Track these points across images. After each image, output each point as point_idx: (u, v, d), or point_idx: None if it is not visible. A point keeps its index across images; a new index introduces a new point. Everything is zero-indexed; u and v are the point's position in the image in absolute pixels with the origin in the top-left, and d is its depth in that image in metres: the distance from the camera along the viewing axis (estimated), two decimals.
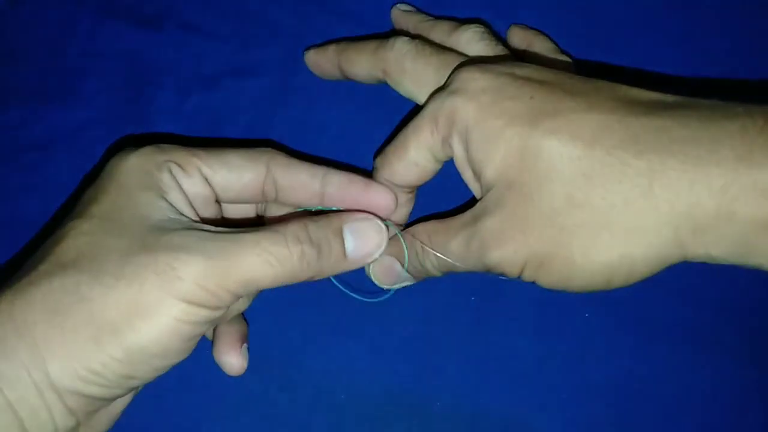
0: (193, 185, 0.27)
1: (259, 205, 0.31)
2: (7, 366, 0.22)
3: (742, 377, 0.31)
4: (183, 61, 0.36)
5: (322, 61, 0.34)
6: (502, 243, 0.25)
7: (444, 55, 0.30)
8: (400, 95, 0.31)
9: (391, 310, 0.32)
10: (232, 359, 0.29)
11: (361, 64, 0.32)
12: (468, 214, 0.27)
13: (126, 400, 0.27)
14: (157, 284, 0.23)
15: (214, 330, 0.30)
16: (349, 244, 0.27)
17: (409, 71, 0.30)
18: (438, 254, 0.28)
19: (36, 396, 0.23)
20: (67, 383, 0.23)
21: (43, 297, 0.23)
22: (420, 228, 0.29)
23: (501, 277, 0.27)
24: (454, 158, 0.28)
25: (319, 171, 0.29)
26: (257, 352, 0.30)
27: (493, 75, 0.27)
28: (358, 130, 0.35)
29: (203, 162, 0.27)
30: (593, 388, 0.31)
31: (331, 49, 0.33)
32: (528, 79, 0.26)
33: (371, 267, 0.30)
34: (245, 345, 0.30)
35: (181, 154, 0.27)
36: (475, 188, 0.28)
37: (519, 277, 0.26)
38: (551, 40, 0.34)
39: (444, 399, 0.31)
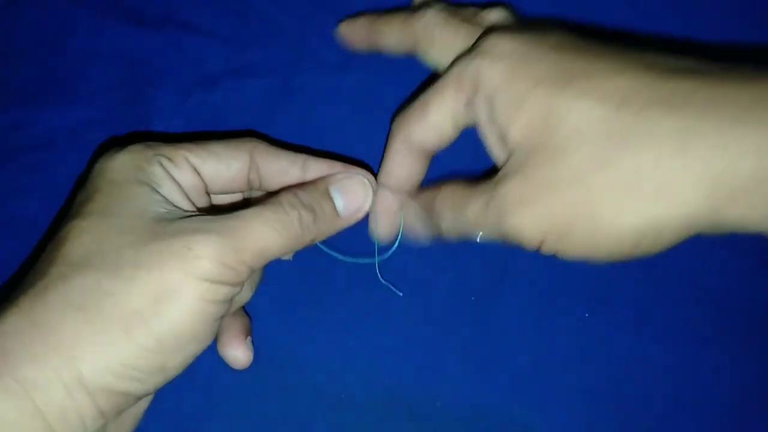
0: (185, 176, 0.28)
1: (246, 193, 0.32)
2: (34, 370, 0.22)
3: (742, 377, 0.31)
4: (183, 61, 0.36)
5: (353, 33, 0.34)
6: (522, 207, 0.24)
7: (473, 25, 0.30)
8: (401, 95, 0.31)
9: (391, 310, 0.32)
10: (238, 352, 0.29)
11: (392, 33, 0.32)
12: (489, 181, 0.26)
13: (149, 398, 0.27)
14: (177, 267, 0.23)
15: None
16: (339, 202, 0.28)
17: (438, 40, 0.30)
18: (454, 216, 0.27)
19: (66, 398, 0.22)
20: (100, 381, 0.23)
21: (63, 297, 0.23)
22: (443, 187, 0.29)
23: (518, 250, 0.26)
24: (478, 123, 0.27)
25: (299, 158, 0.30)
26: (257, 352, 0.30)
27: (521, 38, 0.26)
28: (358, 130, 0.35)
29: (191, 153, 0.28)
30: (593, 388, 0.31)
31: (362, 21, 0.33)
32: (557, 44, 0.26)
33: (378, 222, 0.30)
34: (249, 338, 0.30)
35: (169, 148, 0.28)
36: (497, 155, 0.27)
37: (539, 249, 0.25)
38: None
39: (444, 399, 0.31)
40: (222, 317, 0.26)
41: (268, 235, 0.25)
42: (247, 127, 0.35)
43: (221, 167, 0.29)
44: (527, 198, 0.24)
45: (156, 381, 0.24)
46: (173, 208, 0.26)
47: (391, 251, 0.31)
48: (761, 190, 0.21)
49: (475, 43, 0.28)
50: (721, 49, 0.35)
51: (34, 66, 0.36)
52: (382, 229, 0.30)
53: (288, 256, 0.32)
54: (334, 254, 0.31)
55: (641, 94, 0.23)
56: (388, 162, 0.30)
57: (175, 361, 0.24)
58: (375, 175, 0.31)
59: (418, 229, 0.30)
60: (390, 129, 0.30)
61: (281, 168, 0.30)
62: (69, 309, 0.23)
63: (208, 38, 0.36)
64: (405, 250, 0.31)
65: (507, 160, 0.26)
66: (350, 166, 0.30)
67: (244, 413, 0.31)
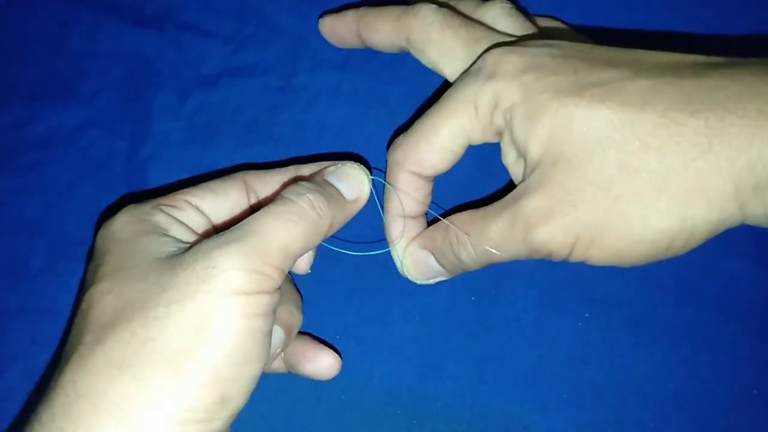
0: (189, 217, 0.27)
1: None
2: None
3: (741, 377, 0.31)
4: (183, 61, 0.36)
5: (340, 28, 0.33)
6: (549, 219, 0.24)
7: (473, 28, 0.29)
8: (401, 94, 0.31)
9: (391, 310, 0.32)
10: (327, 359, 0.30)
11: (384, 31, 0.31)
12: (507, 198, 0.26)
13: None
14: (208, 290, 0.22)
15: (285, 358, 0.30)
16: (341, 187, 0.28)
17: (435, 40, 0.29)
18: (475, 243, 0.27)
19: None
20: None
21: (104, 361, 0.22)
22: (455, 218, 0.28)
23: (547, 260, 0.26)
24: (501, 140, 0.27)
25: (291, 167, 0.30)
26: None
27: (530, 55, 0.26)
28: (358, 130, 0.35)
29: (189, 195, 0.28)
30: (593, 388, 0.31)
31: (350, 15, 0.32)
32: (566, 56, 0.26)
33: (404, 262, 0.30)
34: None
35: (164, 197, 0.28)
36: (516, 172, 0.27)
37: (566, 258, 0.25)
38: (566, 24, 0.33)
39: (444, 399, 0.31)
40: (270, 329, 0.24)
41: (286, 229, 0.24)
42: (247, 127, 0.35)
43: (220, 198, 0.29)
44: (554, 210, 0.24)
45: (223, 416, 0.23)
46: (185, 245, 0.25)
47: (432, 282, 0.31)
48: None
49: (480, 60, 0.27)
50: (720, 47, 0.35)
51: (34, 66, 0.36)
52: (413, 266, 0.30)
53: (307, 266, 0.31)
54: (348, 252, 0.31)
55: (662, 96, 0.23)
56: (397, 191, 0.29)
57: (236, 389, 0.23)
58: (369, 167, 0.31)
59: (434, 269, 0.30)
60: (391, 157, 0.29)
61: (276, 181, 0.30)
62: (112, 370, 0.22)
63: (208, 38, 0.36)
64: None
65: (528, 175, 0.25)
66: (343, 161, 0.30)
67: (244, 414, 0.31)
